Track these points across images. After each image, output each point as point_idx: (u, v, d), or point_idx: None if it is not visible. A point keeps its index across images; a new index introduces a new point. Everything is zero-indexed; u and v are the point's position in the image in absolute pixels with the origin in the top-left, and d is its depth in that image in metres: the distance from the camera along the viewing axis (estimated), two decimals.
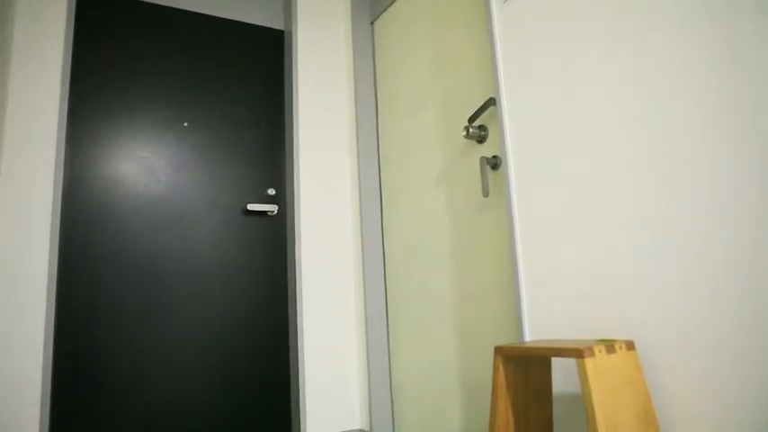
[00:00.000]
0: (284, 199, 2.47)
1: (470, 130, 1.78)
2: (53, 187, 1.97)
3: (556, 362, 1.43)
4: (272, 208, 2.38)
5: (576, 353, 1.07)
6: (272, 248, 2.40)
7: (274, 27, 2.61)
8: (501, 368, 1.26)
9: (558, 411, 1.41)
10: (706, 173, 1.11)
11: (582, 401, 1.35)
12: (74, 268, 2.01)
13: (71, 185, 2.06)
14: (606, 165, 1.33)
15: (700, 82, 1.14)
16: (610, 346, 1.12)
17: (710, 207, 1.10)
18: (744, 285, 1.04)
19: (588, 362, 1.06)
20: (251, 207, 2.32)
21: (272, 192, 2.42)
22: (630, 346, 1.17)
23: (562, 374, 1.41)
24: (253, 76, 2.50)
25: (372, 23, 2.60)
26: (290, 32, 2.58)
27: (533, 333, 1.50)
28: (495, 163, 1.75)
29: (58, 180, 1.98)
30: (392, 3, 2.42)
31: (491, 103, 1.74)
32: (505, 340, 1.69)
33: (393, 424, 2.27)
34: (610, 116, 1.32)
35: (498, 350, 1.26)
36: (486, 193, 1.68)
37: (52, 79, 2.04)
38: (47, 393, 1.84)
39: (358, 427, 2.35)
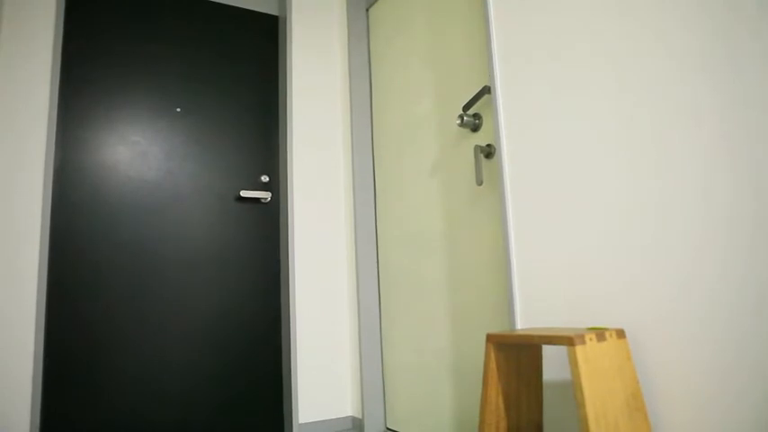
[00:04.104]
0: (278, 186, 2.46)
1: (465, 118, 1.78)
2: (44, 171, 1.95)
3: (547, 349, 1.44)
4: (265, 195, 2.37)
5: (567, 340, 1.08)
6: (264, 235, 2.39)
7: (268, 12, 2.58)
8: (492, 356, 1.27)
9: (548, 398, 1.42)
10: (702, 168, 1.12)
11: (572, 388, 1.37)
12: (64, 252, 2.00)
13: (62, 169, 2.04)
14: (600, 154, 1.33)
15: (698, 80, 1.13)
16: (600, 334, 1.13)
17: (706, 201, 1.11)
18: (737, 282, 1.05)
19: (579, 349, 1.07)
20: (244, 194, 2.31)
21: (265, 179, 2.41)
22: (621, 334, 1.18)
23: (553, 362, 1.42)
24: (246, 61, 2.48)
25: (368, 10, 2.58)
26: (285, 18, 2.55)
27: (525, 321, 1.51)
28: (489, 151, 1.75)
29: (48, 164, 1.96)
30: None
31: (486, 91, 1.74)
32: (497, 328, 1.70)
33: (385, 411, 2.28)
34: (606, 107, 1.32)
35: (490, 338, 1.27)
36: (479, 182, 1.68)
37: (43, 63, 2.01)
38: (38, 383, 1.84)
39: (350, 414, 2.37)
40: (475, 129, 1.83)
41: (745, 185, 1.03)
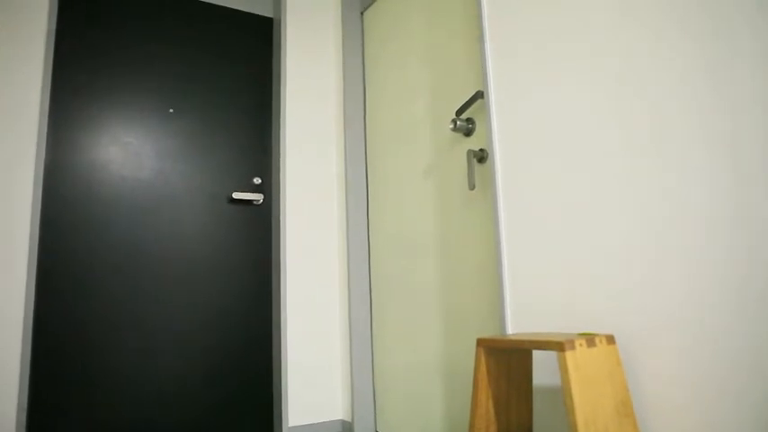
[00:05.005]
0: (270, 188, 2.45)
1: (458, 122, 1.78)
2: (34, 171, 1.93)
3: (537, 354, 1.44)
4: (257, 197, 2.36)
5: (557, 346, 1.08)
6: (256, 237, 2.38)
7: (263, 14, 2.58)
8: (483, 360, 1.27)
9: (538, 403, 1.43)
10: (701, 170, 1.12)
11: (562, 394, 1.37)
12: (56, 251, 1.98)
13: (53, 169, 2.02)
14: (596, 159, 1.33)
15: (698, 80, 1.14)
16: (590, 339, 1.13)
17: (704, 204, 1.11)
18: (734, 287, 1.05)
19: (569, 355, 1.07)
20: (236, 195, 2.30)
21: (257, 181, 2.40)
22: (611, 340, 1.18)
23: (543, 367, 1.42)
24: (240, 63, 2.47)
25: (362, 13, 2.58)
26: (279, 20, 2.55)
27: (516, 326, 1.51)
28: (481, 156, 1.76)
29: (39, 164, 1.94)
30: None
31: (479, 96, 1.74)
32: (488, 332, 1.70)
33: (375, 415, 2.27)
34: (605, 108, 1.33)
35: (480, 342, 1.27)
36: (472, 186, 1.68)
37: (35, 63, 1.99)
38: (24, 383, 1.82)
39: (340, 417, 2.36)
40: (468, 133, 1.83)
41: (746, 186, 1.04)
